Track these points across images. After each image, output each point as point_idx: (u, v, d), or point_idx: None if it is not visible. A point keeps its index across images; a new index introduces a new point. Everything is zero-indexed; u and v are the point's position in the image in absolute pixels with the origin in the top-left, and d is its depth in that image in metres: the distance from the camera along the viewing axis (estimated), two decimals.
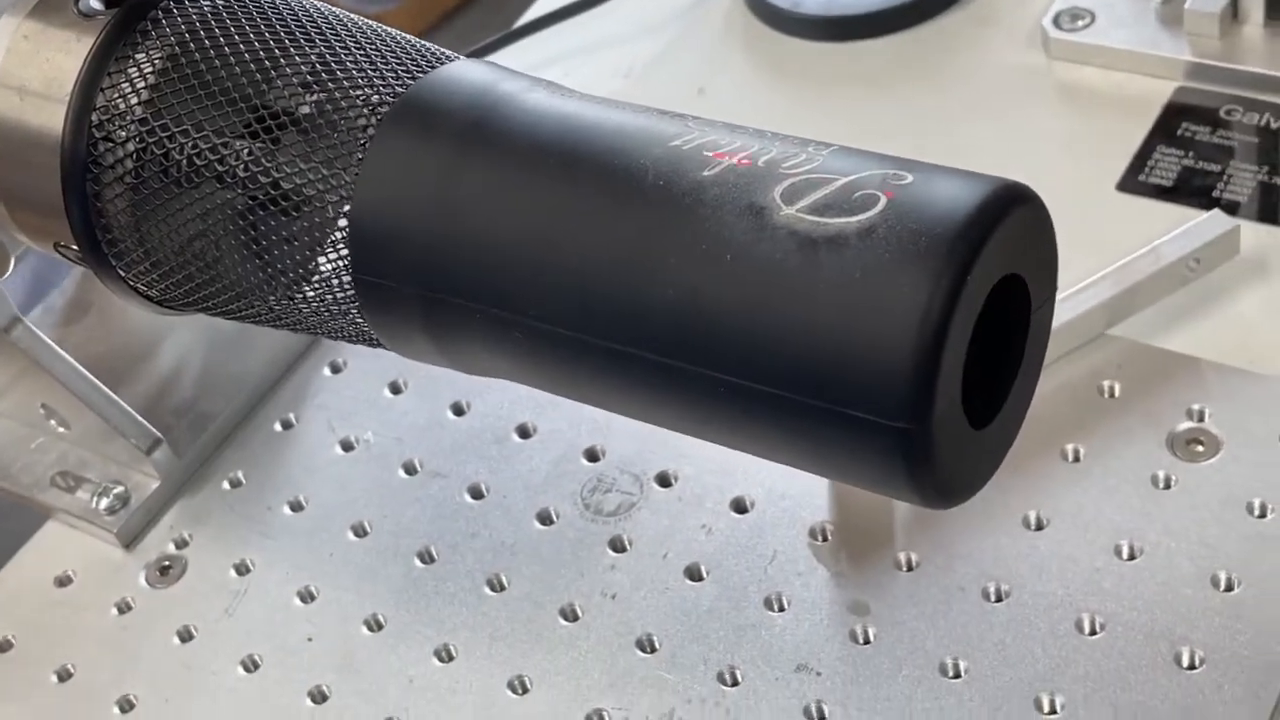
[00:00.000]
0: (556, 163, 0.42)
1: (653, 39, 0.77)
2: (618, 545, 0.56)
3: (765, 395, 0.39)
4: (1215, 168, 0.63)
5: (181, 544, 0.61)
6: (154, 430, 0.62)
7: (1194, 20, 0.66)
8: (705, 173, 0.41)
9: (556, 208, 0.42)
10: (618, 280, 0.41)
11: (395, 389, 0.64)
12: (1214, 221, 0.59)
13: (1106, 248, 0.59)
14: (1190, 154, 0.64)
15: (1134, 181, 0.64)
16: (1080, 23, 0.69)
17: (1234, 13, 0.66)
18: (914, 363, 0.37)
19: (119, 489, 0.62)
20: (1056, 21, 0.70)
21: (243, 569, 0.59)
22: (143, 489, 0.62)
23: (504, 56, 0.76)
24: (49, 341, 0.60)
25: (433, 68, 0.47)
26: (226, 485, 0.62)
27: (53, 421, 0.63)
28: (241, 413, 0.65)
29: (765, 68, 0.74)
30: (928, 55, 0.72)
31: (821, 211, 0.39)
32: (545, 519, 0.58)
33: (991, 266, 0.38)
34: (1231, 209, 0.61)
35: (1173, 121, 0.65)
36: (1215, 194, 0.62)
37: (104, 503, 0.62)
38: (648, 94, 0.73)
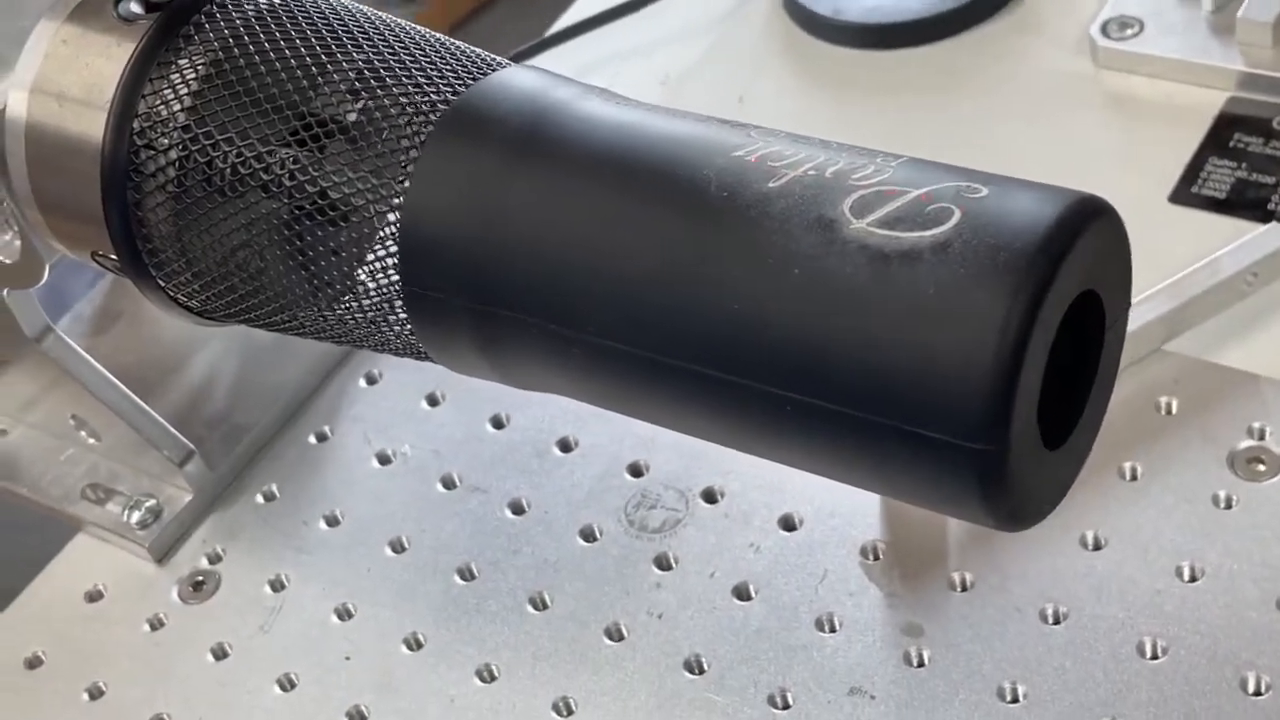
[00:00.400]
0: (614, 172, 0.41)
1: (690, 45, 0.75)
2: (663, 563, 0.55)
3: (835, 414, 0.38)
4: (1269, 180, 0.62)
5: (215, 559, 0.60)
6: (187, 442, 0.61)
7: (1246, 29, 0.65)
8: (771, 184, 0.39)
9: (615, 218, 0.41)
10: (680, 294, 0.39)
11: (433, 401, 0.63)
12: (1272, 234, 0.57)
13: (1161, 261, 0.57)
14: (1243, 165, 0.63)
15: (1187, 193, 0.63)
16: (1129, 31, 0.68)
17: None
18: (993, 382, 0.36)
19: (151, 502, 0.61)
20: (1105, 30, 0.68)
21: (278, 585, 0.58)
22: (175, 502, 0.61)
23: (539, 62, 0.75)
24: (80, 350, 0.59)
25: (483, 74, 0.46)
26: (260, 499, 0.61)
27: (83, 433, 0.62)
28: (276, 425, 0.63)
29: (806, 75, 0.73)
30: (972, 64, 0.71)
31: (893, 225, 0.37)
32: (588, 535, 0.56)
33: (1070, 283, 0.37)
34: None
35: (1225, 133, 0.64)
36: (1270, 206, 0.61)
37: (136, 516, 0.61)
38: (687, 101, 0.72)
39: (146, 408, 0.60)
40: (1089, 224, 0.37)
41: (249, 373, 0.65)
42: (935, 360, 0.36)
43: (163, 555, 0.60)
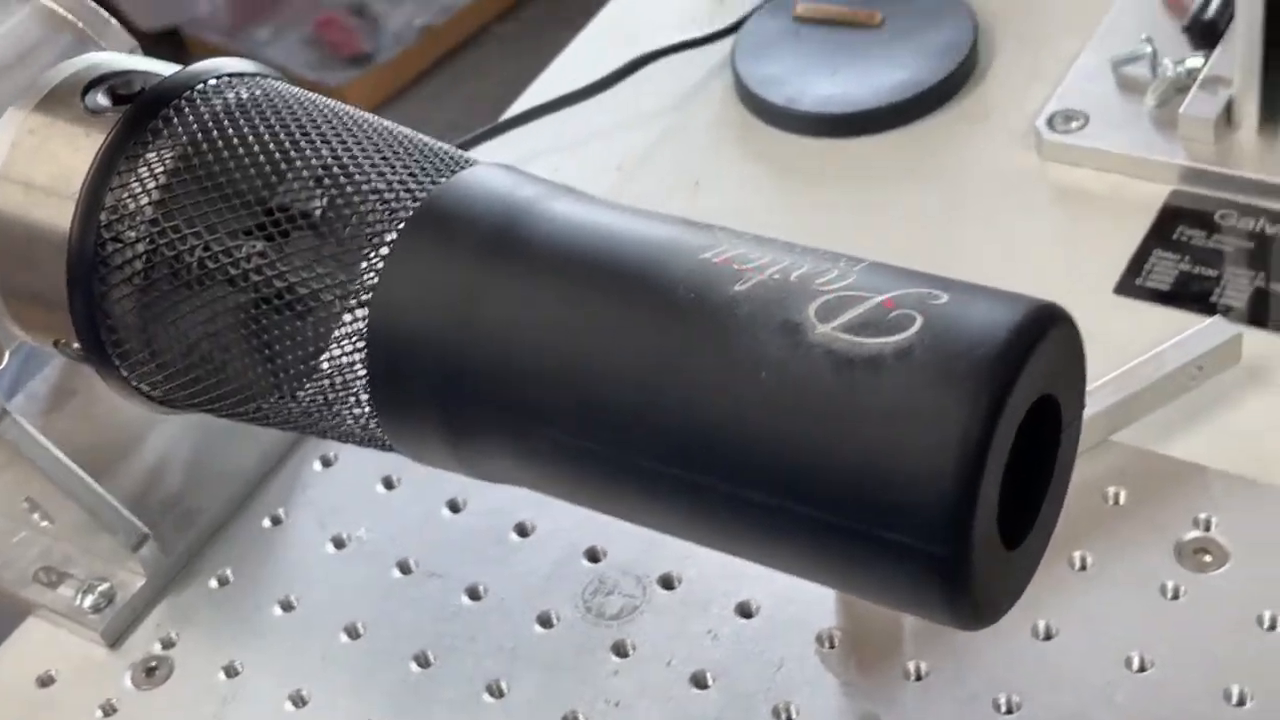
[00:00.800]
0: (583, 274, 0.42)
1: (646, 131, 0.77)
2: (621, 650, 0.55)
3: (800, 515, 0.38)
4: (1212, 272, 0.63)
5: (168, 644, 0.60)
6: (141, 526, 0.61)
7: (1189, 125, 0.67)
8: (737, 287, 0.40)
9: (585, 321, 0.41)
10: (649, 395, 0.40)
11: (389, 484, 0.63)
12: (1216, 328, 0.59)
13: (1107, 352, 0.58)
14: (1187, 258, 0.64)
15: (1131, 285, 0.64)
16: (1074, 124, 0.70)
17: (1228, 118, 0.67)
18: (954, 489, 0.36)
19: (104, 586, 0.61)
20: (1050, 123, 0.70)
21: (232, 671, 0.58)
22: (128, 586, 0.61)
23: (494, 147, 0.76)
24: (35, 433, 0.58)
25: (450, 170, 0.46)
26: (214, 583, 0.61)
27: (36, 515, 0.61)
28: (230, 508, 0.63)
29: (760, 162, 0.74)
30: (922, 153, 0.72)
31: (857, 330, 0.38)
32: (546, 622, 0.57)
33: (1027, 389, 0.38)
34: (1228, 314, 0.61)
35: (1168, 225, 0.66)
36: (1212, 299, 0.62)
37: (88, 600, 0.60)
38: (642, 187, 0.73)
39: (101, 491, 0.60)
40: (1045, 332, 0.38)
41: (203, 456, 0.65)
42: (898, 466, 0.37)
43: (116, 640, 0.60)
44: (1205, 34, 0.70)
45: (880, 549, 0.38)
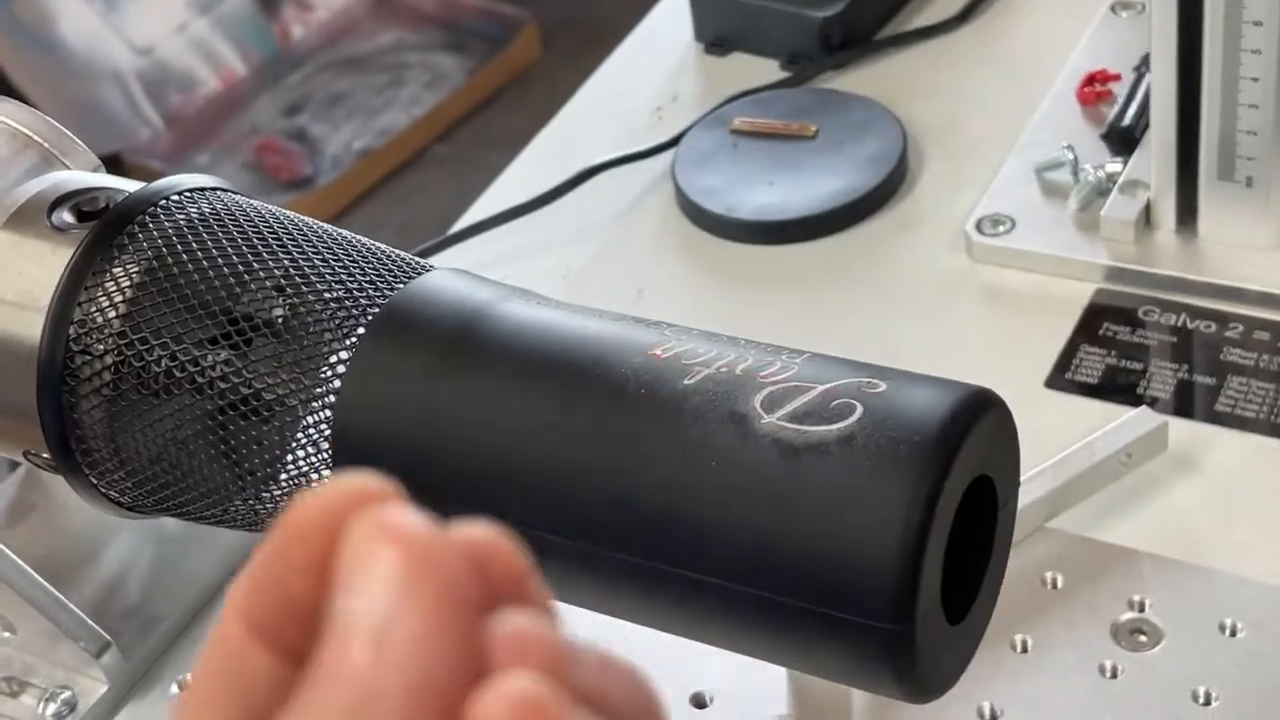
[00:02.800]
0: (539, 374, 0.44)
1: (591, 241, 0.79)
2: None
3: (752, 597, 0.40)
4: (1138, 366, 0.66)
5: None
6: (103, 633, 0.61)
7: (1110, 226, 0.70)
8: (686, 381, 0.42)
9: (541, 419, 0.43)
10: (603, 488, 0.42)
11: None
12: (1142, 418, 0.61)
13: (1040, 443, 0.61)
14: (1113, 353, 0.67)
15: (1061, 379, 0.67)
16: (1001, 228, 0.73)
17: (1147, 219, 0.70)
18: (898, 568, 0.38)
19: (66, 694, 0.61)
20: (979, 227, 0.73)
21: None
22: (90, 694, 0.61)
23: (444, 258, 0.78)
24: None
25: (407, 276, 0.48)
26: (175, 689, 0.62)
27: None
28: (190, 614, 0.64)
29: (701, 269, 0.77)
30: (857, 258, 0.75)
31: (801, 419, 0.40)
32: None
33: (965, 470, 0.40)
34: (1154, 405, 0.64)
35: (1094, 321, 0.69)
36: (1139, 391, 0.65)
37: (51, 708, 0.61)
38: (588, 294, 0.76)
39: (63, 599, 0.61)
40: (980, 416, 0.41)
41: (163, 563, 0.66)
42: (845, 547, 0.39)
43: None
44: (1123, 140, 0.74)
45: (830, 626, 0.40)
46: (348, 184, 2.19)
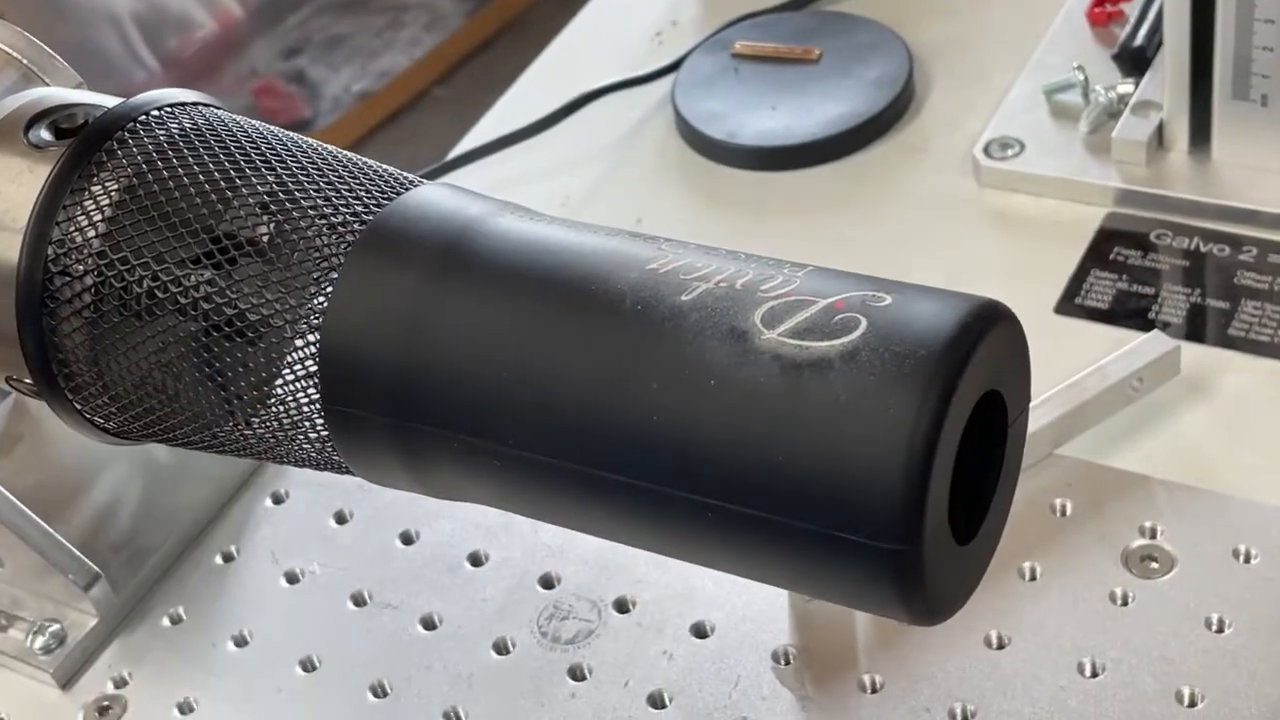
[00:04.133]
0: (531, 289, 0.42)
1: (589, 168, 0.77)
2: (578, 674, 0.55)
3: (753, 519, 0.39)
4: (1149, 290, 0.65)
5: (121, 683, 0.59)
6: (92, 565, 0.60)
7: (1121, 148, 0.68)
8: (683, 297, 0.41)
9: (534, 335, 0.42)
10: (599, 407, 0.40)
11: (340, 519, 0.63)
12: (1155, 342, 0.60)
13: (1049, 370, 0.59)
14: (1124, 277, 0.65)
15: (1071, 305, 0.65)
16: (1010, 151, 0.71)
17: (1159, 141, 0.68)
18: (904, 486, 0.37)
19: (55, 627, 0.60)
20: (987, 150, 0.71)
21: (186, 708, 0.58)
22: (79, 627, 0.60)
23: None
24: None
25: (396, 192, 0.47)
26: (166, 621, 0.61)
27: None
28: (181, 546, 0.63)
29: (701, 197, 0.75)
30: (862, 184, 0.73)
31: (803, 335, 0.39)
32: (502, 649, 0.57)
33: (973, 385, 0.39)
34: (1166, 330, 0.62)
35: (1105, 246, 0.67)
36: (1150, 316, 0.64)
37: (39, 641, 0.60)
38: (587, 220, 0.74)
39: (51, 531, 0.60)
40: (989, 328, 0.39)
41: (152, 494, 0.65)
42: (849, 466, 0.37)
43: (67, 680, 0.59)
44: (1134, 60, 0.72)
45: (835, 548, 0.38)
46: (347, 127, 2.17)
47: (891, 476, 0.37)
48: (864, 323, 0.39)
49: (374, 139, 2.18)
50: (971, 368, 0.38)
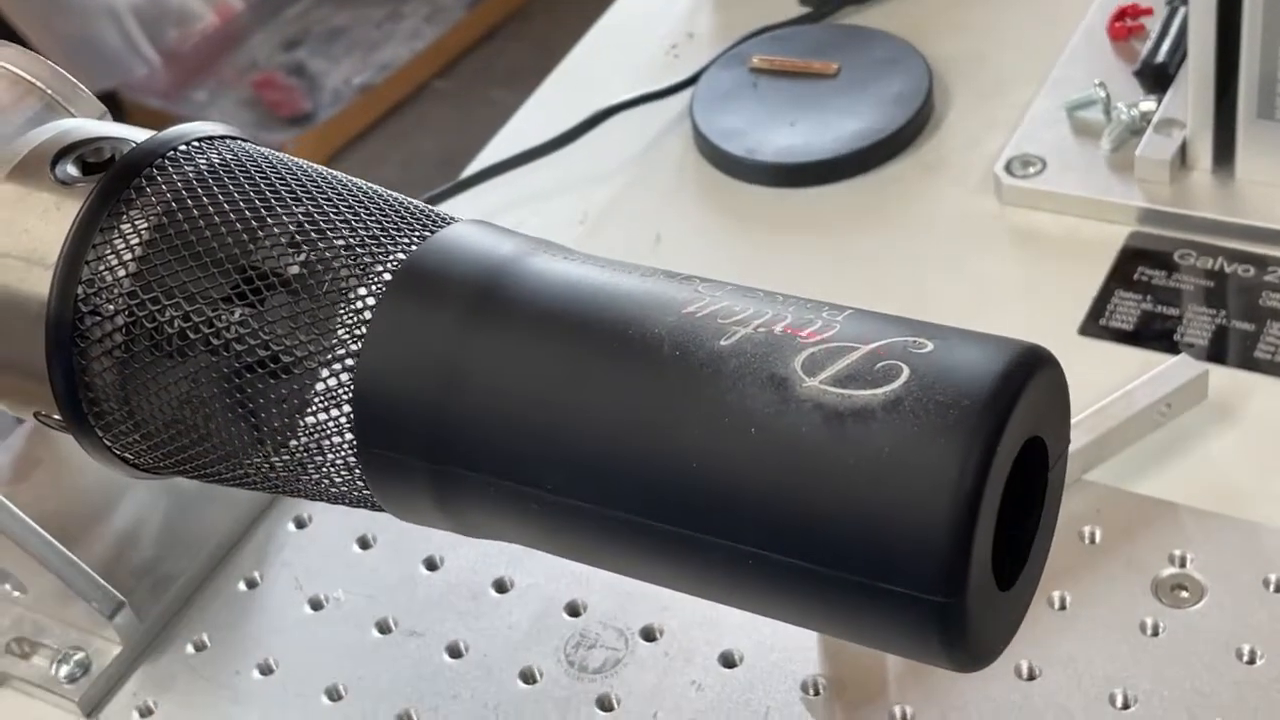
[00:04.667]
0: (568, 334, 0.42)
1: (607, 185, 0.77)
2: (605, 704, 0.55)
3: (795, 568, 0.39)
4: (1174, 311, 0.64)
5: (146, 711, 0.59)
6: (116, 593, 0.60)
7: (1144, 167, 0.68)
8: (722, 342, 0.40)
9: (571, 382, 0.41)
10: (638, 455, 0.40)
11: (364, 544, 0.63)
12: (1183, 366, 0.60)
13: (1076, 392, 0.58)
14: (1148, 298, 0.65)
15: (1095, 326, 0.65)
16: (1031, 169, 0.71)
17: (1183, 159, 0.68)
18: (950, 538, 0.37)
19: (79, 655, 0.60)
20: (1008, 168, 0.71)
21: None
22: (104, 655, 0.60)
23: (457, 204, 0.76)
24: (7, 502, 0.58)
25: (428, 228, 0.46)
26: (191, 649, 0.61)
27: (8, 585, 0.61)
28: (204, 572, 0.63)
29: (720, 213, 0.75)
30: (882, 201, 0.73)
31: (845, 383, 0.39)
32: (528, 677, 0.57)
33: (1016, 434, 0.38)
34: (1191, 351, 0.62)
35: (1129, 266, 0.67)
36: (1175, 337, 0.63)
37: (64, 670, 0.60)
38: (605, 240, 0.74)
39: (74, 558, 0.59)
40: (1031, 376, 0.39)
41: (175, 521, 0.64)
42: (894, 518, 0.37)
43: (93, 709, 0.59)
44: (1157, 77, 0.71)
45: (877, 598, 0.38)
46: (348, 119, 2.16)
47: (937, 530, 0.37)
48: (906, 371, 0.39)
49: (375, 132, 2.17)
50: (1015, 418, 0.38)
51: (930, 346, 0.39)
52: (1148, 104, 0.70)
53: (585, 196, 0.77)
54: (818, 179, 0.74)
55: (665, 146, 0.78)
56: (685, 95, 0.79)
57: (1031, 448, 0.41)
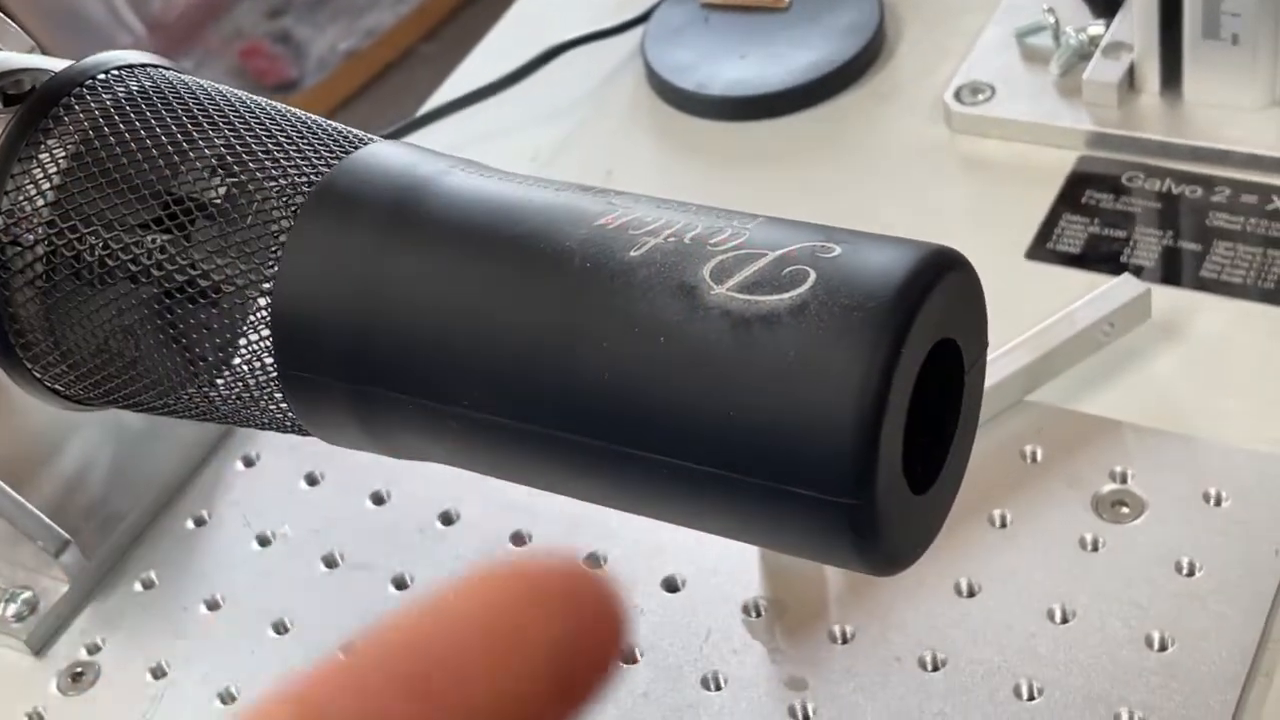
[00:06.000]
0: (481, 248, 0.42)
1: (558, 123, 0.77)
2: None
3: (708, 475, 0.39)
4: (1121, 234, 0.64)
5: (94, 649, 0.59)
6: (62, 532, 0.60)
7: (1093, 90, 0.68)
8: (633, 253, 0.40)
9: (483, 296, 0.41)
10: (550, 366, 0.40)
11: (312, 480, 0.63)
12: (1125, 286, 0.59)
13: (1020, 315, 0.59)
14: (1096, 221, 0.65)
15: (1042, 250, 0.65)
16: (980, 96, 0.70)
17: (1130, 83, 0.68)
18: (855, 440, 0.37)
19: (27, 594, 0.60)
20: (958, 96, 0.71)
21: (159, 672, 0.58)
22: (52, 593, 0.60)
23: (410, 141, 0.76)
24: None
25: (348, 150, 0.46)
26: (139, 586, 0.61)
27: None
28: (152, 511, 0.63)
29: (672, 148, 0.75)
30: (833, 132, 0.73)
31: (752, 289, 0.38)
32: None
33: (925, 335, 0.38)
34: (1139, 273, 0.62)
35: (1077, 190, 0.66)
36: (1122, 259, 0.63)
37: (11, 609, 0.60)
38: (557, 175, 0.73)
39: (20, 499, 0.59)
40: (941, 277, 0.39)
41: (122, 459, 0.64)
42: (800, 421, 0.37)
43: (41, 647, 0.59)
44: (1105, 1, 0.71)
45: (789, 503, 0.38)
46: (334, 86, 2.15)
47: (842, 432, 0.37)
48: (813, 275, 0.38)
49: (361, 97, 2.16)
50: (921, 319, 0.38)
51: (838, 251, 0.39)
52: (1096, 28, 0.70)
53: (537, 134, 0.76)
54: (769, 111, 0.74)
55: (617, 83, 0.78)
56: (637, 32, 0.79)
57: (947, 352, 0.40)
